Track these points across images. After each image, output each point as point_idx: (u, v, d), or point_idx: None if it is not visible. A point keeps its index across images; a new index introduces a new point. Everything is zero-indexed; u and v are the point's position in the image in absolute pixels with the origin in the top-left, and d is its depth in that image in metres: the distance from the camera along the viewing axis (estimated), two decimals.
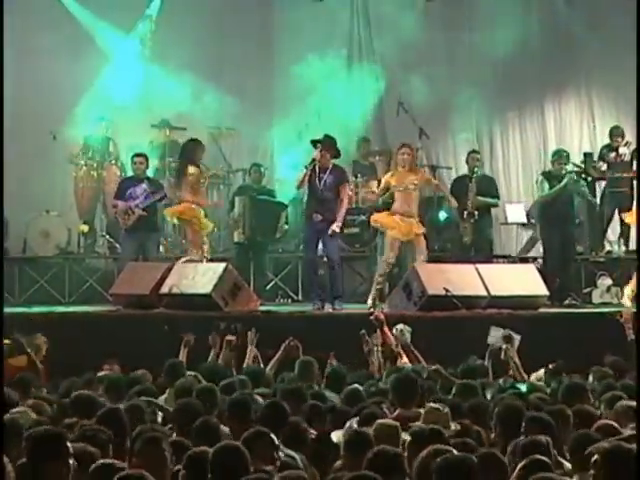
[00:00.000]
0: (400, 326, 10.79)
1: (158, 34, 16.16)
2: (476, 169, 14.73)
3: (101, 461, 5.91)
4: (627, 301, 13.14)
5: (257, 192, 14.93)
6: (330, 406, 7.96)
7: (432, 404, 7.61)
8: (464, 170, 15.30)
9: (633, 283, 13.15)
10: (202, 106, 15.36)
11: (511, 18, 15.90)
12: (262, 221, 14.70)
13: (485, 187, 14.70)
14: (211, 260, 13.76)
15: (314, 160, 13.08)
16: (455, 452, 5.81)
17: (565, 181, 14.08)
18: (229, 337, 10.67)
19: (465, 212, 14.16)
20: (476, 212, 14.25)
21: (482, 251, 14.50)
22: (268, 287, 14.89)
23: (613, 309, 13.17)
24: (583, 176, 14.81)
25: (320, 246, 13.44)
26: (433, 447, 5.81)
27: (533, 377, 10.15)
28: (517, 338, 10.84)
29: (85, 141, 15.49)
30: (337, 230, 13.23)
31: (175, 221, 14.29)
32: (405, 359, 10.49)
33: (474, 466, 5.41)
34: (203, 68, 16.01)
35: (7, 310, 12.78)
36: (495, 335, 10.85)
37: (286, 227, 15.12)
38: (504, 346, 10.47)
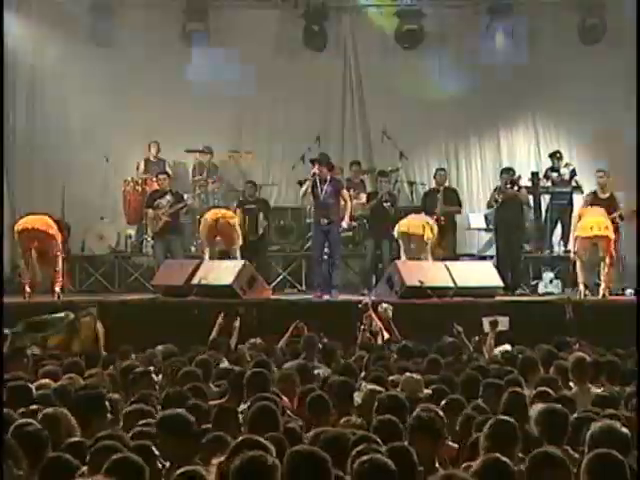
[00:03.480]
0: (384, 305, 10.90)
1: None
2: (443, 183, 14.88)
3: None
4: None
5: (251, 203, 14.82)
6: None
7: (408, 373, 7.67)
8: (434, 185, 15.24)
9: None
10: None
11: (470, 66, 16.00)
12: (250, 225, 14.63)
13: (450, 198, 14.72)
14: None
15: (314, 174, 13.19)
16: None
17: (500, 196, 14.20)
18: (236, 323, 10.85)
19: (434, 218, 14.17)
20: (442, 218, 14.28)
21: (447, 250, 14.43)
22: (277, 279, 14.82)
23: (555, 297, 13.40)
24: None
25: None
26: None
27: (497, 351, 10.09)
28: (505, 320, 10.87)
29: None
30: (347, 225, 13.53)
31: None
32: (386, 335, 10.63)
33: (441, 426, 5.51)
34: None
35: (71, 297, 13.22)
36: (486, 324, 10.72)
37: (265, 224, 14.87)
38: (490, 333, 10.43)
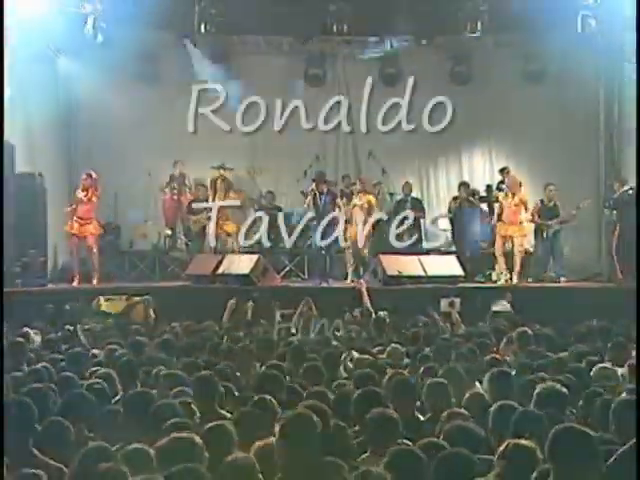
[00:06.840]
0: (381, 313, 10.70)
1: None
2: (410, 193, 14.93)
3: None
4: None
5: (272, 208, 14.85)
6: None
7: (393, 344, 7.74)
8: None
9: None
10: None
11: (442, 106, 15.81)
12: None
13: (415, 204, 14.77)
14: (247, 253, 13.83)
15: (313, 190, 13.52)
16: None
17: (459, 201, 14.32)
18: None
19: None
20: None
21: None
22: (285, 270, 14.75)
23: (504, 284, 13.41)
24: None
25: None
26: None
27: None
28: (458, 301, 10.98)
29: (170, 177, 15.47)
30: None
31: None
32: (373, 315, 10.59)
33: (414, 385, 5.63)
34: None
35: (122, 284, 13.30)
36: (444, 305, 10.89)
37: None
38: (450, 309, 10.56)
